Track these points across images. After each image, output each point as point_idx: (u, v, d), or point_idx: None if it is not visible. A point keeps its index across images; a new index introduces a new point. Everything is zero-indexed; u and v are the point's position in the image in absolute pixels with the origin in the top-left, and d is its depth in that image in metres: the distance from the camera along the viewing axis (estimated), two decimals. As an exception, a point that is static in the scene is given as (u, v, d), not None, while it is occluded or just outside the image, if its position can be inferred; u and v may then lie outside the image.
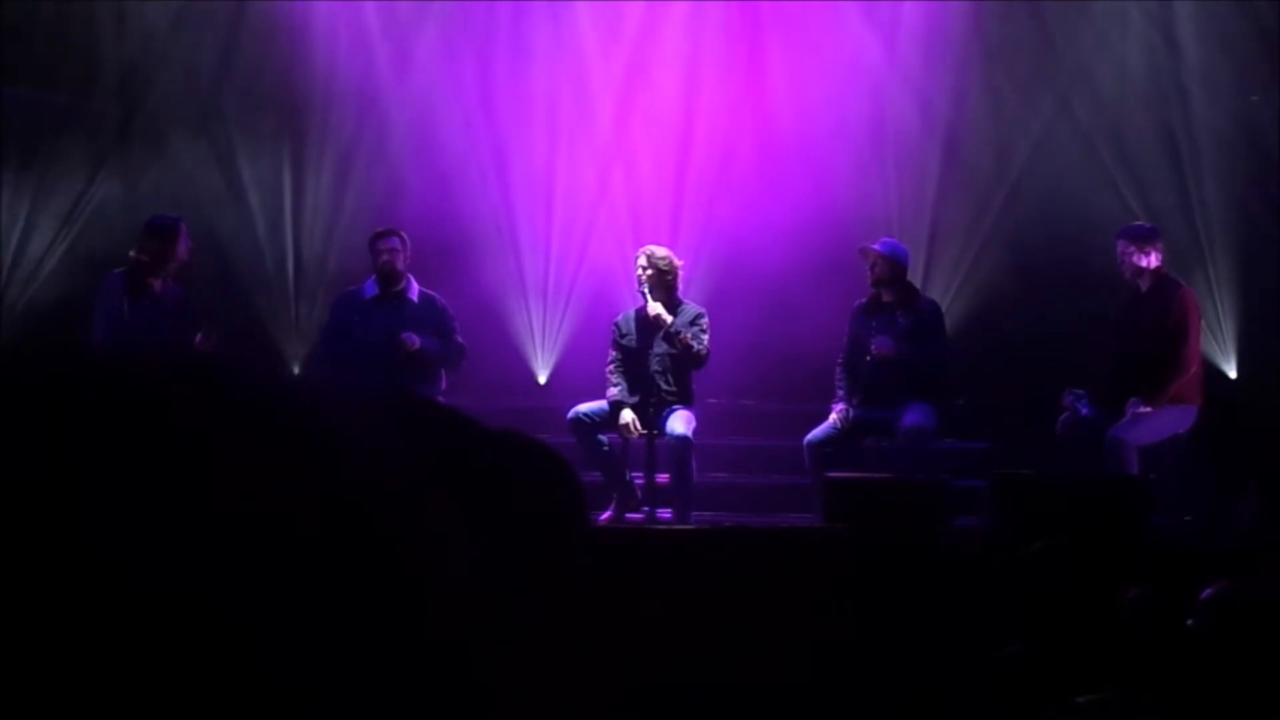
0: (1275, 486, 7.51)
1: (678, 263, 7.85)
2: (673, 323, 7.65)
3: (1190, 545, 6.04)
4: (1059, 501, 6.12)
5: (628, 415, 7.54)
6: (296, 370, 9.13)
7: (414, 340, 7.64)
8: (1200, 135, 8.91)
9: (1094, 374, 7.66)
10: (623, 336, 7.79)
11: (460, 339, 7.93)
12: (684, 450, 7.43)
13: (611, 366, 7.76)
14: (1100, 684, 3.51)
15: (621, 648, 1.06)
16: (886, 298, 7.74)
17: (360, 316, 7.81)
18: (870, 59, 9.38)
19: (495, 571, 0.96)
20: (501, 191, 9.50)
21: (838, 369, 7.78)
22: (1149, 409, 7.25)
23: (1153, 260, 7.50)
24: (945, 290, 9.07)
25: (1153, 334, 7.40)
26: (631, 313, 7.84)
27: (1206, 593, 3.18)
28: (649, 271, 7.73)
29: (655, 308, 7.65)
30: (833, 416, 7.61)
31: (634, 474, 7.64)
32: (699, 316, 7.75)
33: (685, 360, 7.65)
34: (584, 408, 7.60)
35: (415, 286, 7.93)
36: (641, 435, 7.55)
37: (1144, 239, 7.56)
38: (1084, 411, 7.39)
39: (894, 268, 7.73)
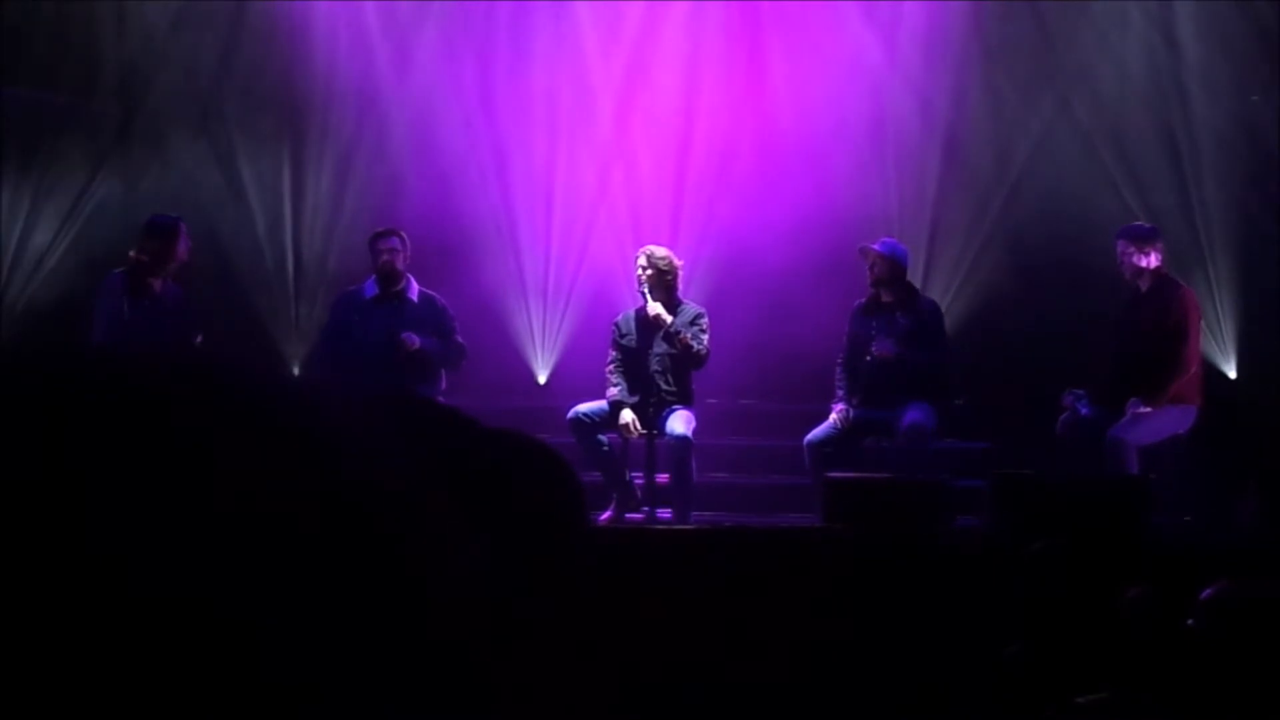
0: (1275, 486, 7.52)
1: (678, 263, 7.85)
2: (673, 323, 7.65)
3: (1190, 545, 6.04)
4: (1059, 501, 6.12)
5: (628, 415, 7.54)
6: (296, 370, 9.13)
7: (414, 340, 7.64)
8: (1200, 135, 8.91)
9: (1094, 374, 7.66)
10: (623, 336, 7.79)
11: (460, 339, 7.93)
12: (684, 450, 7.43)
13: (611, 366, 7.76)
14: (1100, 684, 3.50)
15: (621, 648, 1.06)
16: (886, 298, 7.74)
17: (360, 316, 7.81)
18: (870, 59, 9.38)
19: (495, 571, 0.96)
20: (501, 191, 9.50)
21: (837, 369, 7.78)
22: (1149, 409, 7.25)
23: (1153, 260, 7.50)
24: (945, 290, 9.07)
25: (1153, 334, 7.40)
26: (631, 313, 7.84)
27: (1206, 593, 3.18)
28: (649, 271, 7.73)
29: (655, 308, 7.65)
30: (833, 416, 7.61)
31: (634, 474, 7.64)
32: (699, 316, 7.75)
33: (685, 360, 7.65)
34: (584, 408, 7.60)
35: (415, 286, 7.93)
36: (641, 435, 7.55)
37: (1144, 239, 7.56)
38: (1084, 411, 7.39)
39: (893, 268, 7.73)
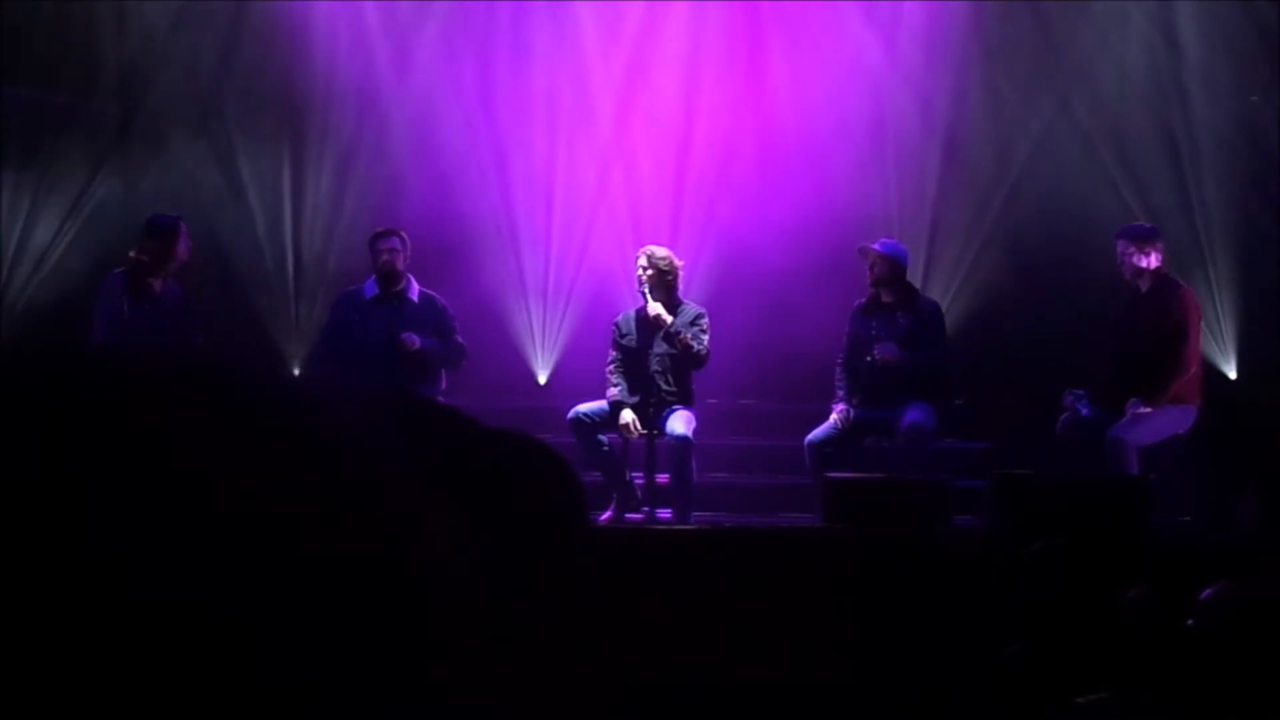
0: (1275, 486, 7.51)
1: (678, 263, 7.85)
2: (673, 323, 7.65)
3: (1190, 545, 6.04)
4: (1059, 501, 6.12)
5: (628, 415, 7.54)
6: (296, 370, 9.13)
7: (414, 340, 7.64)
8: (1200, 135, 8.91)
9: (1094, 374, 7.66)
10: (623, 336, 7.79)
11: (460, 339, 7.93)
12: (684, 450, 7.43)
13: (611, 366, 7.76)
14: (1100, 684, 3.50)
15: (621, 648, 1.06)
16: (886, 298, 7.74)
17: (360, 316, 7.81)
18: (870, 59, 9.38)
19: (495, 571, 0.96)
20: (501, 191, 9.50)
21: (837, 369, 7.78)
22: (1149, 409, 7.25)
23: (1153, 260, 7.49)
24: (945, 290, 9.07)
25: (1153, 334, 7.40)
26: (631, 313, 7.84)
27: (1206, 593, 3.18)
28: (649, 271, 7.73)
29: (655, 308, 7.65)
30: (833, 416, 7.61)
31: (634, 474, 7.64)
32: (699, 316, 7.75)
33: (685, 360, 7.66)
34: (584, 408, 7.60)
35: (415, 286, 7.94)
36: (641, 435, 7.55)
37: (1144, 239, 7.56)
38: (1084, 411, 7.39)
39: (893, 268, 7.73)
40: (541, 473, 1.07)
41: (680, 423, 7.48)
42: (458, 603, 0.92)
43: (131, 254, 7.60)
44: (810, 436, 7.53)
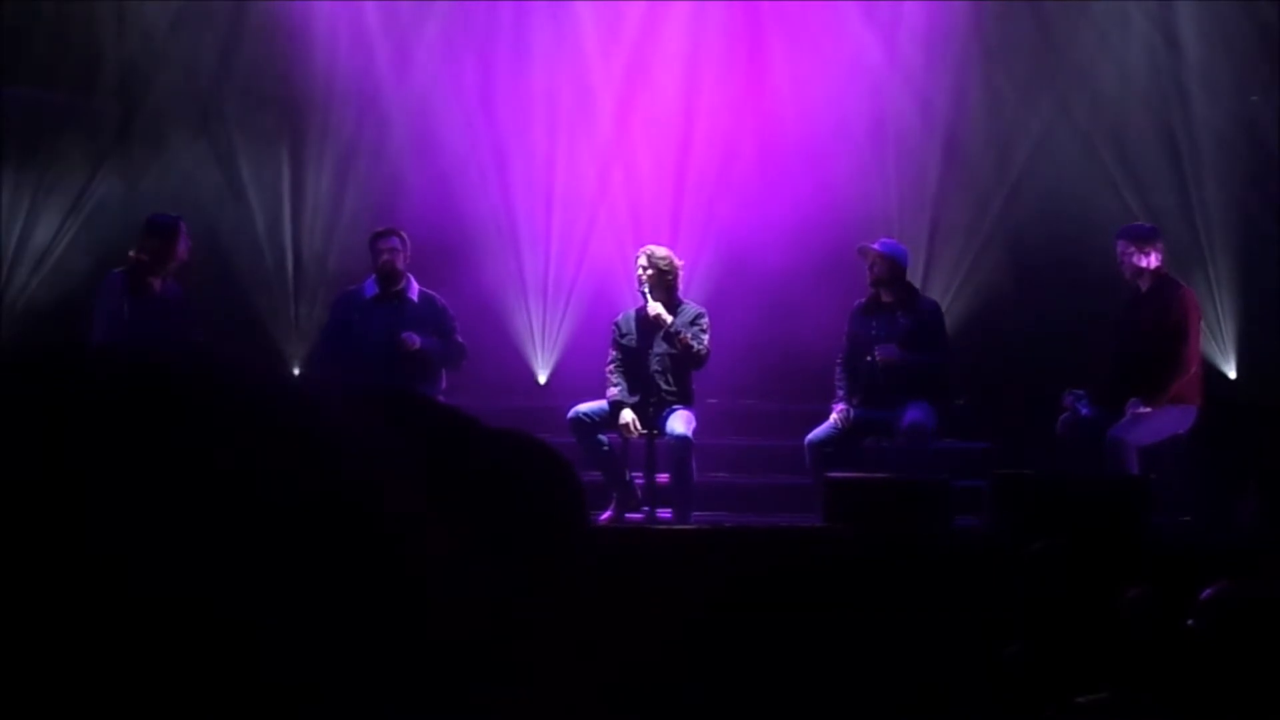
0: (1275, 486, 7.51)
1: (678, 262, 7.85)
2: (673, 322, 7.65)
3: (1190, 545, 6.04)
4: (1059, 501, 6.12)
5: (628, 415, 7.54)
6: (296, 370, 9.13)
7: (414, 340, 7.64)
8: (1200, 135, 8.91)
9: (1094, 374, 7.66)
10: (623, 336, 7.79)
11: (460, 339, 7.93)
12: (684, 450, 7.43)
13: (611, 366, 7.76)
14: (1100, 684, 3.50)
15: (621, 648, 1.06)
16: (886, 298, 7.74)
17: (360, 316, 7.81)
18: (871, 59, 9.38)
19: (495, 571, 0.96)
20: (501, 191, 9.50)
21: (837, 369, 7.77)
22: (1149, 409, 7.25)
23: (1153, 260, 7.49)
24: (945, 290, 9.07)
25: (1153, 334, 7.40)
26: (632, 312, 7.84)
27: (1206, 593, 3.18)
28: (649, 271, 7.73)
29: (655, 307, 7.64)
30: (833, 416, 7.61)
31: (634, 474, 7.64)
32: (699, 316, 7.75)
33: (685, 360, 7.65)
34: (584, 407, 7.60)
35: (415, 286, 7.93)
36: (641, 435, 7.54)
37: (1144, 239, 7.56)
38: (1084, 411, 7.39)
39: (893, 267, 7.73)
40: (542, 472, 1.07)
41: (680, 422, 7.48)
42: (458, 603, 0.92)
43: (131, 253, 7.60)
44: (810, 436, 7.53)
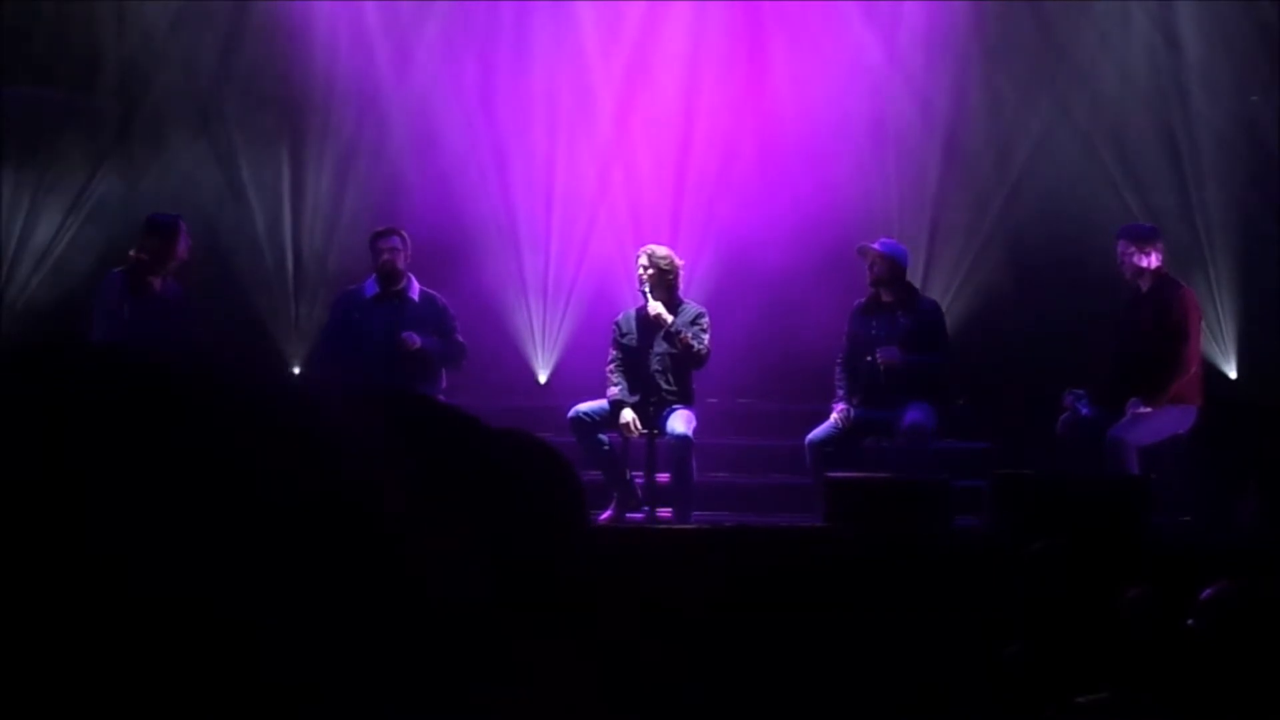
0: (1275, 486, 7.51)
1: (678, 262, 7.85)
2: (673, 322, 7.65)
3: (1190, 545, 6.03)
4: (1059, 501, 6.12)
5: (628, 415, 7.54)
6: (296, 370, 9.13)
7: (414, 339, 7.64)
8: (1200, 135, 8.91)
9: (1094, 374, 7.66)
10: (623, 336, 7.79)
11: (461, 338, 7.93)
12: (684, 450, 7.43)
13: (612, 366, 7.76)
14: (1100, 684, 3.50)
15: (621, 648, 1.06)
16: (886, 298, 7.74)
17: (361, 315, 7.81)
18: (871, 59, 9.38)
19: (496, 571, 0.96)
20: (502, 191, 9.50)
21: (837, 369, 7.77)
22: (1149, 409, 7.25)
23: (1153, 260, 7.49)
24: (945, 290, 9.07)
25: (1153, 334, 7.40)
26: (632, 312, 7.84)
27: (1206, 593, 3.18)
28: (650, 271, 7.73)
29: (656, 307, 7.64)
30: (833, 416, 7.61)
31: (634, 474, 7.64)
32: (699, 316, 7.75)
33: (685, 360, 7.65)
34: (584, 407, 7.60)
35: (416, 285, 7.93)
36: (642, 435, 7.54)
37: (1144, 239, 7.56)
38: (1084, 411, 7.39)
39: (893, 267, 7.73)
40: (542, 472, 1.07)
41: (680, 422, 7.48)
42: (458, 603, 0.92)
43: (131, 253, 7.60)
44: (810, 436, 7.53)
